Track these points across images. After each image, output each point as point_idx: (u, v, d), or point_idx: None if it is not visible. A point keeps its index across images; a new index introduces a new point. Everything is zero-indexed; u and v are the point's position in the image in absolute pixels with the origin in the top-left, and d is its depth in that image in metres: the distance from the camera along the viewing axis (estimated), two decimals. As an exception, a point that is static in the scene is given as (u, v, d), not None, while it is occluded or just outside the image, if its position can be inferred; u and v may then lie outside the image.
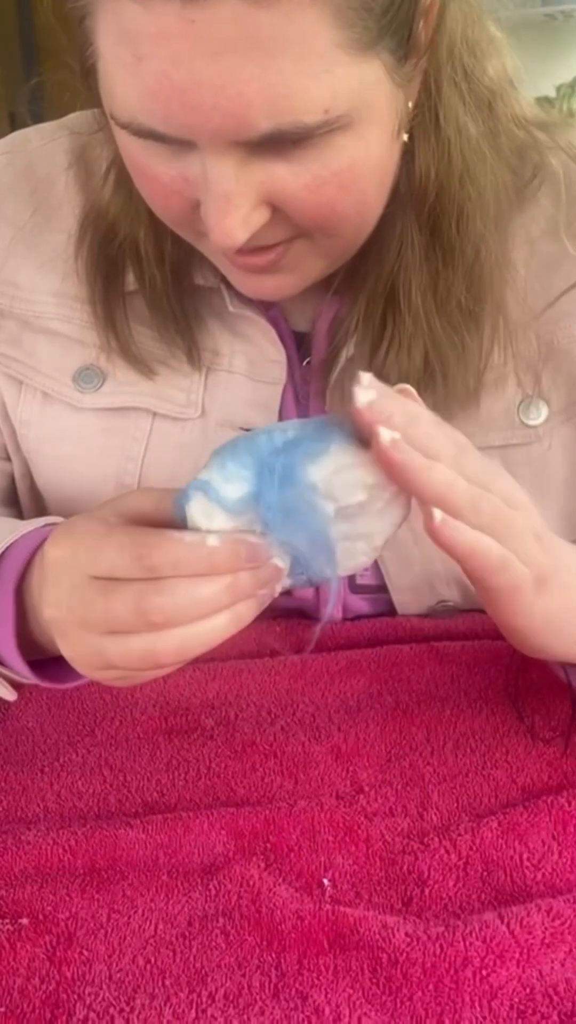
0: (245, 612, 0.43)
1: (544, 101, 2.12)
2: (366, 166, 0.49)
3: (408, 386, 0.45)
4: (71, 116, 0.68)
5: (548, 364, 0.62)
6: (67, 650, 0.47)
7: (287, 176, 0.48)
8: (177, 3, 0.41)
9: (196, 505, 0.42)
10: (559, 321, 0.61)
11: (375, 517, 0.43)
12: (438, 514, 0.42)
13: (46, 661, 0.53)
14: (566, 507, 0.65)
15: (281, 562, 0.43)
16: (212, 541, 0.42)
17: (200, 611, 0.42)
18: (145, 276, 0.62)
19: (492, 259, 0.58)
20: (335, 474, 0.42)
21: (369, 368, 0.59)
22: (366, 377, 0.42)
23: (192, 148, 0.47)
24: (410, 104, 0.52)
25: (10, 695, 0.55)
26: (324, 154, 0.47)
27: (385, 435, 0.41)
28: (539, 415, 0.62)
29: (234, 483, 0.42)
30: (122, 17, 0.43)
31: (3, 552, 0.53)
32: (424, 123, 0.54)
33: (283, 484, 0.41)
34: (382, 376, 0.58)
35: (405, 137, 0.53)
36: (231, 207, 0.47)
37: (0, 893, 0.46)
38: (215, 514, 0.42)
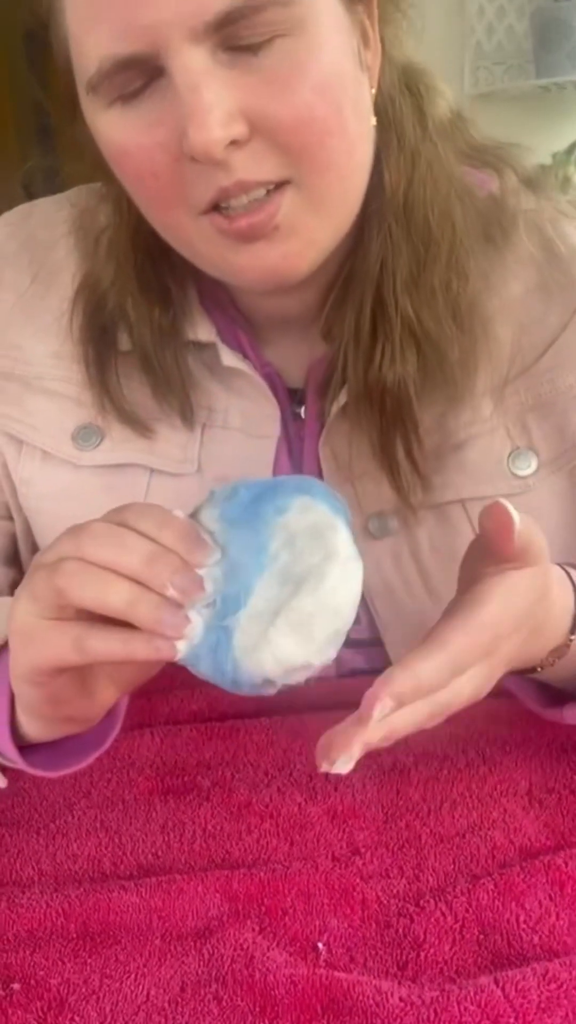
0: (142, 607, 0.42)
1: (540, 168, 2.19)
2: (335, 75, 0.52)
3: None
4: (72, 190, 0.71)
5: (537, 415, 0.63)
6: (16, 605, 0.46)
7: (258, 85, 0.49)
8: None
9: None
10: (545, 374, 0.63)
11: (323, 594, 0.42)
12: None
13: (37, 748, 0.53)
14: (559, 554, 0.65)
15: (208, 583, 0.42)
16: (179, 513, 0.44)
17: (118, 549, 0.42)
18: (135, 342, 0.64)
19: (468, 246, 0.60)
20: (301, 521, 0.42)
21: (364, 383, 0.60)
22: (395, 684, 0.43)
23: (162, 81, 0.49)
24: (372, 87, 0.56)
25: (1, 782, 0.55)
26: (291, 62, 0.50)
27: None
28: (529, 466, 0.64)
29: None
30: None
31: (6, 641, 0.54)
32: (387, 130, 0.58)
33: (253, 501, 0.43)
34: (378, 384, 0.60)
35: (374, 121, 0.57)
36: (204, 100, 0.48)
37: (-8, 958, 0.46)
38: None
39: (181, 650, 0.42)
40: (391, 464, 0.63)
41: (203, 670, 0.43)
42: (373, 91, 0.57)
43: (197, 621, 0.42)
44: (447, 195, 0.60)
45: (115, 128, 0.52)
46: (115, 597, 0.42)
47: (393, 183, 0.58)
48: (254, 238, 0.53)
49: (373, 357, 0.60)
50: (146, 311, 0.63)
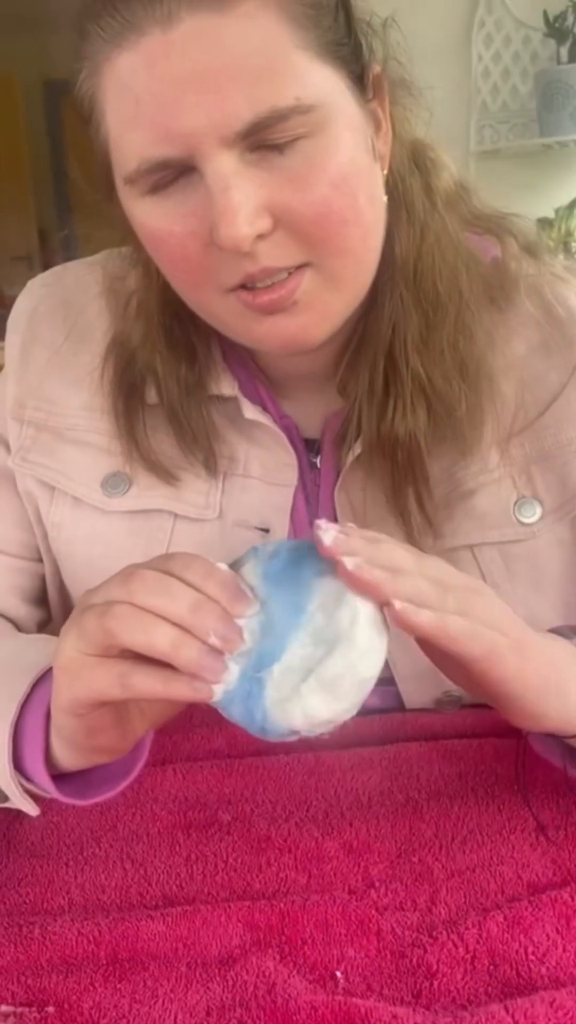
0: (185, 652, 0.45)
1: (544, 222, 2.25)
2: (351, 170, 0.56)
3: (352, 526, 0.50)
4: (103, 253, 0.75)
5: (540, 467, 0.67)
6: (64, 641, 0.49)
7: (283, 185, 0.54)
8: (158, 33, 0.51)
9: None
10: (549, 428, 0.67)
11: (352, 657, 0.45)
12: (397, 603, 0.45)
13: (68, 778, 0.56)
14: (562, 599, 0.68)
15: (246, 633, 0.46)
16: (221, 565, 0.47)
17: (166, 596, 0.46)
18: (163, 397, 0.68)
19: (475, 309, 0.64)
20: (337, 584, 0.46)
21: (378, 435, 0.65)
22: (321, 523, 0.47)
23: (194, 175, 0.54)
24: (384, 169, 0.61)
25: (33, 810, 0.57)
26: (310, 161, 0.54)
27: (348, 562, 0.45)
28: (533, 514, 0.67)
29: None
30: (119, 71, 0.53)
31: (43, 675, 0.56)
32: (398, 204, 0.63)
33: (293, 562, 0.46)
34: (391, 436, 0.65)
35: (384, 198, 0.61)
36: (233, 200, 0.53)
37: (28, 982, 0.48)
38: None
39: (217, 693, 0.46)
40: (403, 512, 0.66)
41: (234, 715, 0.46)
42: (385, 172, 0.61)
43: (233, 669, 0.45)
44: (454, 263, 0.64)
45: (150, 216, 0.57)
46: (161, 640, 0.45)
47: (404, 254, 0.63)
48: (275, 311, 0.58)
49: (386, 412, 0.64)
50: (173, 368, 0.67)
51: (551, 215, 2.23)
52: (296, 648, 0.45)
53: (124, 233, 0.62)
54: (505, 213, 0.70)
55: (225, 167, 0.53)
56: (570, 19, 2.20)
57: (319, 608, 0.45)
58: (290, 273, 0.57)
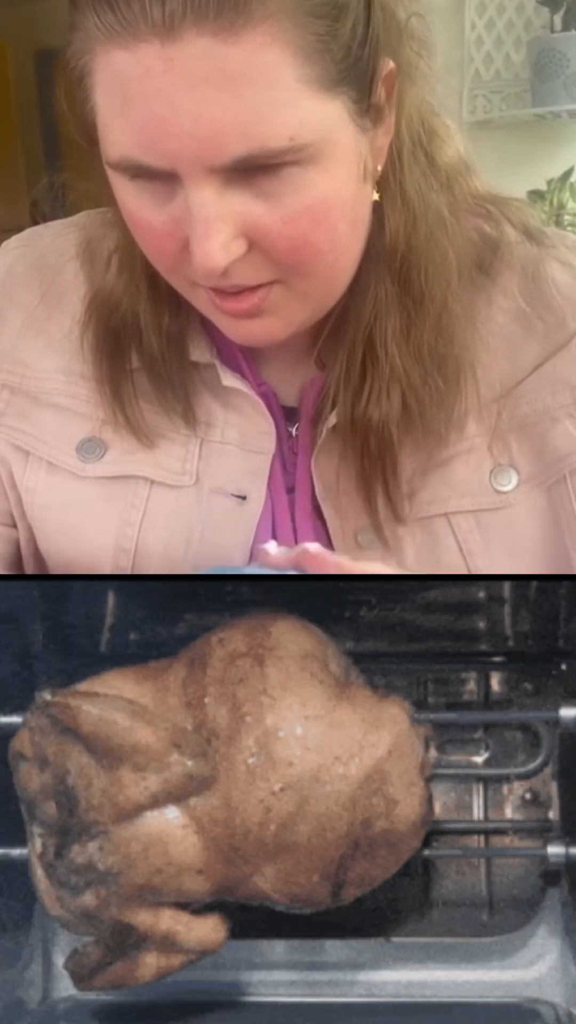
0: None
1: (536, 194, 2.23)
2: (335, 202, 0.55)
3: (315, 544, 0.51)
4: (81, 214, 0.74)
5: (517, 435, 0.66)
6: None
7: (263, 211, 0.53)
8: (156, 44, 0.48)
9: None
10: (526, 395, 0.66)
11: None
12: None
13: None
14: (538, 568, 0.68)
15: None
16: None
17: None
18: (145, 347, 0.67)
19: (458, 308, 0.63)
20: None
21: (351, 416, 0.64)
22: None
23: (177, 185, 0.52)
24: (379, 167, 0.58)
25: None
26: (296, 189, 0.53)
27: None
28: (509, 482, 0.67)
29: None
30: (112, 65, 0.50)
31: None
32: (392, 191, 0.60)
33: None
34: (364, 418, 0.63)
35: (375, 196, 0.59)
36: (211, 231, 0.52)
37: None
38: None
39: None
40: (369, 496, 0.66)
41: None
42: (380, 167, 0.59)
43: None
44: (444, 253, 0.62)
45: (130, 198, 0.56)
46: None
47: (392, 242, 0.61)
48: (241, 317, 0.59)
49: (361, 395, 0.64)
50: (156, 317, 0.66)
51: (543, 187, 2.21)
52: None
53: (102, 185, 0.60)
54: (508, 197, 0.69)
55: (207, 194, 0.52)
56: (564, -13, 2.17)
57: None
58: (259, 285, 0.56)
